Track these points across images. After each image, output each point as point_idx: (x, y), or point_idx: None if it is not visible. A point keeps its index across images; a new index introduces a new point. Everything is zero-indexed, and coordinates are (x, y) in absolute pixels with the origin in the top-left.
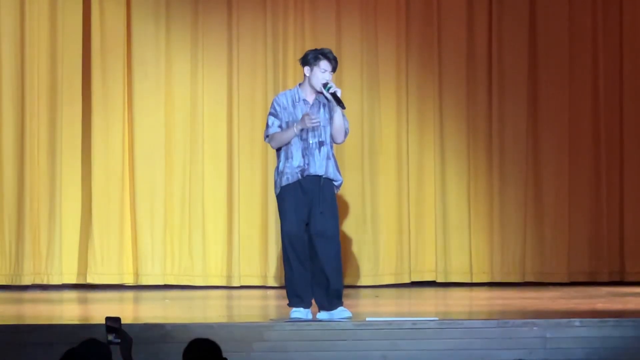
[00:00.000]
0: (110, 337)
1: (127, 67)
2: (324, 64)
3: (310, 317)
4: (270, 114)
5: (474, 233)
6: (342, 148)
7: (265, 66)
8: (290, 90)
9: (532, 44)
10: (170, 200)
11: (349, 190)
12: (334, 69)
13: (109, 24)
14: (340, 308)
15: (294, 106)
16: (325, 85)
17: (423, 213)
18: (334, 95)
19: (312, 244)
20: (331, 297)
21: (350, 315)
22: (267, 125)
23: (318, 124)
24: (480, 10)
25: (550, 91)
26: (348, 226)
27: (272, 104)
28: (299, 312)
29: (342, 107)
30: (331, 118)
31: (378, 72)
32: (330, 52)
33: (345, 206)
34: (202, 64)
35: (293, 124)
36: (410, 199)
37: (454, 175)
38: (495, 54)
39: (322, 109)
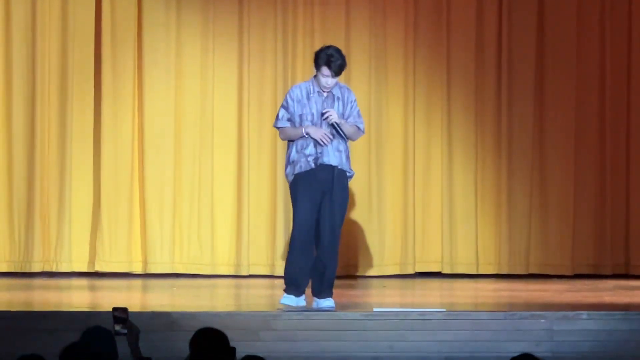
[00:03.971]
0: (118, 328)
1: (138, 55)
2: (325, 70)
3: (301, 304)
4: (282, 106)
5: (481, 224)
6: None
7: (275, 56)
8: (306, 82)
9: (540, 36)
10: (180, 188)
11: (355, 181)
12: (336, 73)
13: (119, 12)
14: (326, 298)
15: (308, 98)
16: (324, 115)
17: (429, 204)
18: (332, 125)
19: (317, 231)
20: (324, 286)
21: (333, 306)
22: (277, 117)
23: (328, 143)
24: (489, 2)
25: (557, 83)
26: (354, 216)
27: (286, 96)
28: (289, 299)
29: (343, 138)
30: (344, 111)
31: (386, 63)
32: (334, 55)
33: (351, 196)
34: (213, 53)
35: (302, 126)
36: (416, 189)
37: (460, 167)
38: (505, 47)
39: (336, 102)
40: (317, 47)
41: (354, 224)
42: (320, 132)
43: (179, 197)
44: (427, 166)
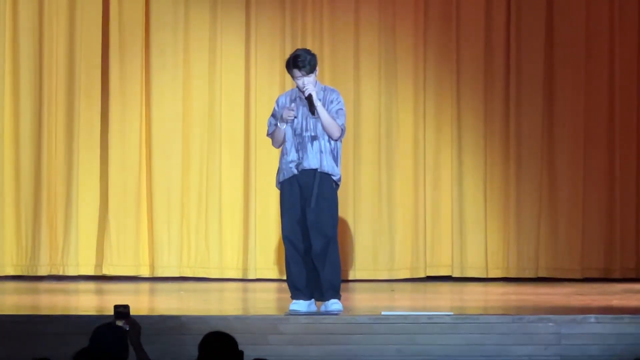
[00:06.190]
0: (120, 324)
1: (145, 58)
2: (296, 72)
3: (311, 309)
4: (271, 114)
5: (490, 228)
6: (358, 142)
7: (284, 58)
8: (291, 90)
9: (549, 39)
10: (187, 191)
11: (365, 184)
12: (308, 72)
13: (127, 15)
14: (333, 300)
15: (291, 104)
16: (303, 92)
17: (439, 208)
18: (307, 98)
19: (308, 236)
20: (323, 289)
21: (341, 309)
22: (267, 126)
23: (292, 116)
24: (498, 5)
25: (566, 86)
26: (364, 220)
27: (274, 105)
28: (297, 305)
29: (312, 112)
30: (324, 108)
31: (396, 67)
32: (301, 54)
33: (362, 200)
34: (221, 56)
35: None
36: (426, 193)
37: (470, 170)
38: (513, 49)
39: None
40: (326, 51)
41: (365, 228)
42: (285, 113)
43: (186, 200)
44: (437, 170)
